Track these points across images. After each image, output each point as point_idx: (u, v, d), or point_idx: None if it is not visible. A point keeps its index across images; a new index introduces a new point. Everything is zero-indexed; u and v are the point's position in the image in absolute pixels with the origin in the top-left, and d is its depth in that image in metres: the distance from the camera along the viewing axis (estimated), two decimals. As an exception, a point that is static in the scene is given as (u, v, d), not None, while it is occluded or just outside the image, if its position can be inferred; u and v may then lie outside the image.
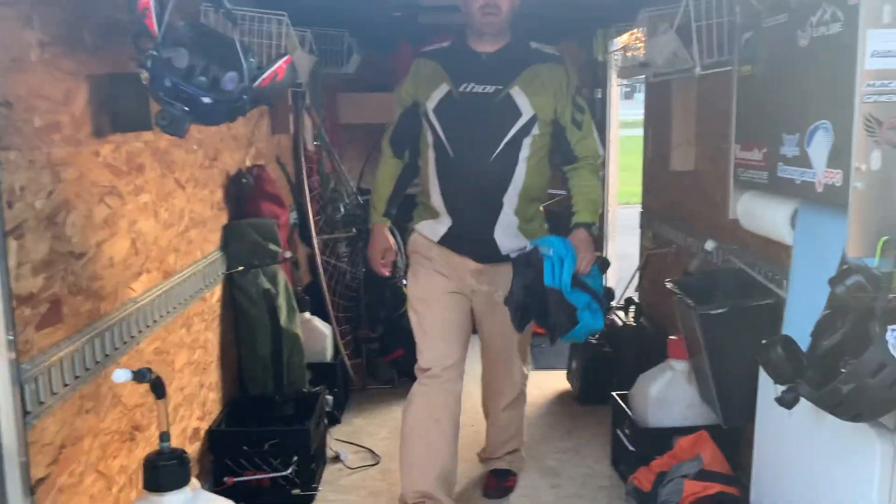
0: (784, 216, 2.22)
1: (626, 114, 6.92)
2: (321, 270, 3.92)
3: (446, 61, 2.71)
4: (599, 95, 5.36)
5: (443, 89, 2.66)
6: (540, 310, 2.57)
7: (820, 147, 1.94)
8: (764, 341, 1.92)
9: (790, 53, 2.07)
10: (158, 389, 2.00)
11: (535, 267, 2.54)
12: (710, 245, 3.04)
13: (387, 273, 2.99)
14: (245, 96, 1.87)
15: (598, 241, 5.65)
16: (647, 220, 4.30)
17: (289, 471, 3.04)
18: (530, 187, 2.70)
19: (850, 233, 1.79)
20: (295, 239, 4.33)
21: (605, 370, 4.03)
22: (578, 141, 2.74)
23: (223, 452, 3.04)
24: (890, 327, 1.70)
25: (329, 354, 3.99)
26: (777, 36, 2.16)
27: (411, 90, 2.77)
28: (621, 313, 4.25)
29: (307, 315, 3.90)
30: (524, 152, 2.66)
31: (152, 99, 1.88)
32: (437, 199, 2.75)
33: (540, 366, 4.68)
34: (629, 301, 4.27)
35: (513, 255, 2.68)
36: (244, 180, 3.48)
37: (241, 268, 3.32)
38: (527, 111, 2.62)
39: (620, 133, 5.71)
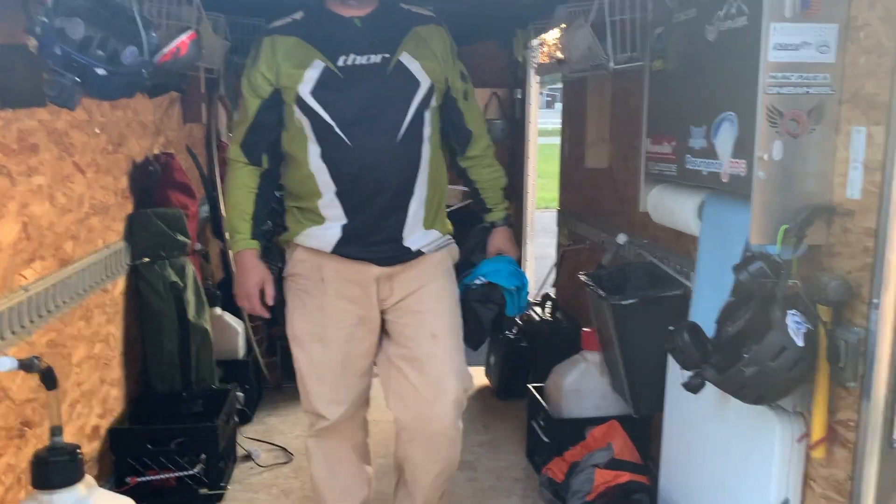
0: (691, 208, 2.27)
1: (546, 121, 7.01)
2: (233, 265, 3.79)
3: (309, 34, 2.21)
4: (519, 96, 5.40)
5: (317, 67, 2.16)
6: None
7: (726, 138, 1.99)
8: (671, 328, 1.95)
9: (699, 48, 2.13)
10: (49, 380, 1.88)
11: (498, 304, 2.50)
12: (622, 239, 3.10)
13: (266, 314, 2.39)
14: (144, 71, 1.77)
15: (517, 241, 5.71)
16: (564, 218, 4.36)
17: (196, 469, 2.93)
18: (437, 171, 2.33)
19: (753, 221, 1.83)
20: (207, 233, 4.19)
21: (523, 364, 4.05)
22: (469, 112, 2.41)
23: (125, 451, 2.90)
24: (790, 312, 1.75)
25: (241, 351, 3.87)
26: (687, 31, 2.21)
27: (269, 76, 2.20)
28: (538, 308, 4.29)
29: (218, 311, 3.77)
30: (427, 129, 2.26)
31: (44, 70, 1.76)
32: (328, 201, 2.24)
33: (458, 362, 4.67)
34: (546, 297, 4.31)
35: (426, 250, 2.35)
36: (151, 168, 3.34)
37: (146, 259, 3.18)
38: (424, 79, 2.23)
39: (540, 141, 5.77)
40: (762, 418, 1.98)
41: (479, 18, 4.59)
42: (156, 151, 3.59)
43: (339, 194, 2.24)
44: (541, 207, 6.01)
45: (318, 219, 2.28)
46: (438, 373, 2.32)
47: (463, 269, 2.57)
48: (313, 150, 2.21)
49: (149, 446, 2.90)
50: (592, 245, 3.76)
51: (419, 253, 2.33)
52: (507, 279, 2.51)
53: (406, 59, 2.22)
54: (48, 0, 1.70)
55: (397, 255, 2.30)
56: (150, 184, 3.36)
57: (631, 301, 2.63)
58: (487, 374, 4.37)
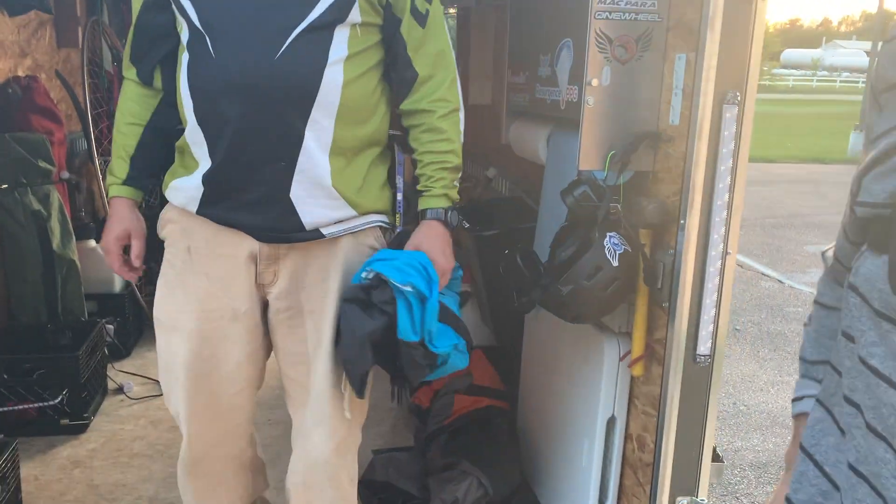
0: (542, 137, 2.31)
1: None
2: (105, 193, 3.67)
3: None
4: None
5: None
6: (388, 362, 1.71)
7: (564, 65, 2.02)
8: (506, 251, 1.99)
9: (547, -25, 2.13)
10: None
11: (385, 312, 1.65)
12: (491, 172, 3.13)
13: (132, 276, 1.85)
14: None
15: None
16: (455, 155, 4.36)
17: (56, 400, 2.88)
18: (355, 110, 1.68)
19: (582, 147, 1.87)
20: (89, 167, 4.03)
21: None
22: (419, 44, 1.73)
23: (-20, 382, 2.83)
24: (609, 234, 1.81)
25: (118, 285, 3.78)
26: (539, -42, 2.21)
27: None
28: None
29: (92, 243, 3.66)
30: (339, 51, 1.64)
31: None
32: (192, 131, 1.68)
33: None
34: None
35: (327, 231, 1.72)
36: (10, 90, 3.18)
37: (4, 185, 3.05)
38: None
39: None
40: (593, 339, 2.06)
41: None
42: (20, 73, 3.42)
43: (201, 123, 1.66)
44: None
45: (191, 163, 1.72)
46: (314, 413, 1.79)
47: None
48: (184, 61, 1.68)
49: (5, 376, 2.83)
50: (475, 182, 3.78)
51: (317, 234, 1.71)
52: (399, 273, 1.64)
53: None
54: None
55: (283, 227, 1.69)
56: (10, 107, 3.20)
57: (491, 232, 2.67)
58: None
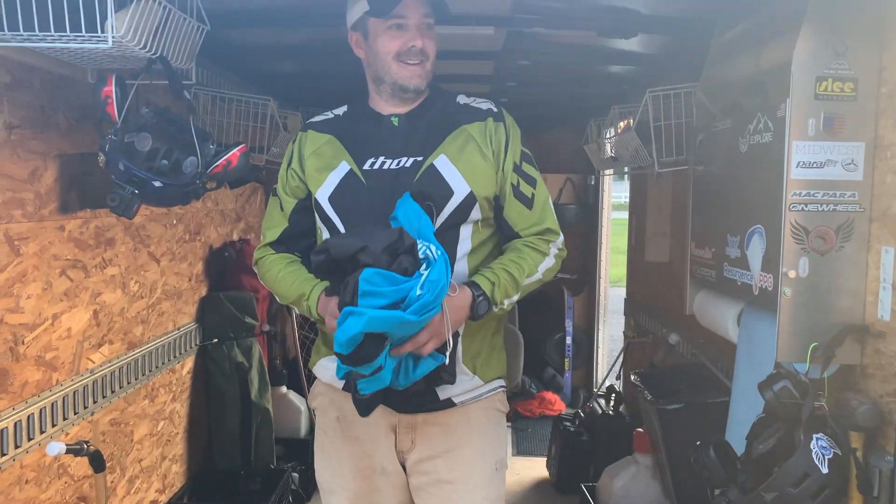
0: (731, 316, 2.24)
1: (619, 195, 6.99)
2: (298, 345, 3.96)
3: (345, 132, 1.91)
4: (593, 182, 5.45)
5: (342, 170, 1.85)
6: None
7: (756, 251, 1.98)
8: (698, 443, 1.91)
9: (733, 158, 2.13)
10: (97, 463, 2.02)
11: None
12: (673, 338, 3.05)
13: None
14: (198, 181, 1.95)
15: (590, 324, 5.67)
16: (630, 306, 4.31)
17: (245, 548, 3.02)
18: None
19: (780, 338, 1.80)
20: (283, 313, 4.38)
21: (583, 459, 3.96)
22: (527, 220, 1.89)
23: (180, 527, 3.03)
24: (816, 436, 1.69)
25: (304, 430, 3.98)
26: (724, 140, 2.22)
27: (301, 175, 1.91)
28: (602, 401, 4.21)
29: (283, 389, 3.92)
30: (464, 246, 1.83)
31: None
32: None
33: (522, 451, 4.62)
34: (610, 389, 4.24)
35: (458, 400, 1.86)
36: (227, 254, 3.57)
37: (215, 340, 3.37)
38: (460, 188, 1.80)
39: (615, 215, 5.80)
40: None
41: (551, 109, 4.73)
42: (235, 237, 3.84)
43: None
44: (614, 283, 5.96)
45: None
46: None
47: None
48: None
49: (202, 523, 3.03)
50: (655, 339, 3.70)
51: (449, 403, 1.86)
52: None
53: (442, 163, 1.82)
54: (117, 120, 1.91)
55: (420, 399, 1.83)
56: (225, 268, 3.58)
57: (676, 406, 2.58)
58: (548, 465, 4.29)
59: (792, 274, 1.79)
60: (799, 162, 1.77)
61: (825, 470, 1.64)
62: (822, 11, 1.75)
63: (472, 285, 1.74)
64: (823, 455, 1.66)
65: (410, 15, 1.81)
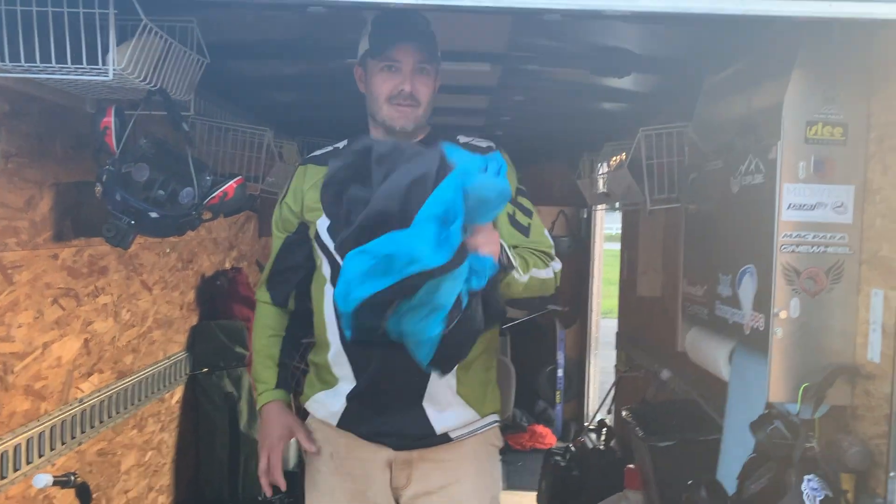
0: (723, 354, 2.24)
1: (612, 227, 7.03)
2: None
3: None
4: (585, 216, 5.49)
5: None
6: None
7: (747, 290, 1.99)
8: (690, 482, 1.91)
9: (725, 197, 2.16)
10: (83, 496, 2.00)
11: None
12: (665, 374, 3.05)
13: (279, 483, 1.95)
14: (193, 212, 1.96)
15: (581, 356, 5.66)
16: (622, 341, 4.32)
17: (231, 582, 2.97)
18: None
19: (771, 378, 1.81)
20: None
21: (573, 494, 3.94)
22: (524, 243, 1.90)
23: (165, 560, 2.99)
24: (807, 477, 1.69)
25: (292, 462, 3.94)
26: (716, 179, 2.25)
27: (295, 208, 1.95)
28: (593, 435, 4.20)
29: (273, 419, 3.88)
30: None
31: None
32: (336, 355, 1.88)
33: (512, 485, 4.58)
34: (601, 424, 4.23)
35: (455, 435, 1.89)
36: (218, 282, 3.56)
37: (205, 369, 3.35)
38: None
39: (608, 246, 5.83)
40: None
41: (545, 143, 4.78)
42: (227, 265, 3.84)
43: (346, 347, 1.85)
44: (606, 315, 5.96)
45: (330, 378, 1.92)
46: None
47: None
48: (329, 294, 1.87)
49: (187, 556, 2.98)
50: (646, 374, 3.70)
51: (446, 438, 1.88)
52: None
53: None
54: (115, 151, 1.92)
55: (417, 434, 1.87)
56: (217, 297, 3.57)
57: (668, 443, 2.57)
58: (538, 499, 4.26)
59: (783, 314, 1.80)
60: (790, 204, 1.79)
61: (816, 512, 1.64)
62: (812, 57, 1.79)
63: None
64: (814, 496, 1.66)
65: (404, 59, 1.85)
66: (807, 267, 1.79)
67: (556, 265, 1.92)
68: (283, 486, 1.96)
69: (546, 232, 1.97)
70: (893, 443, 1.57)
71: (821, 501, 1.65)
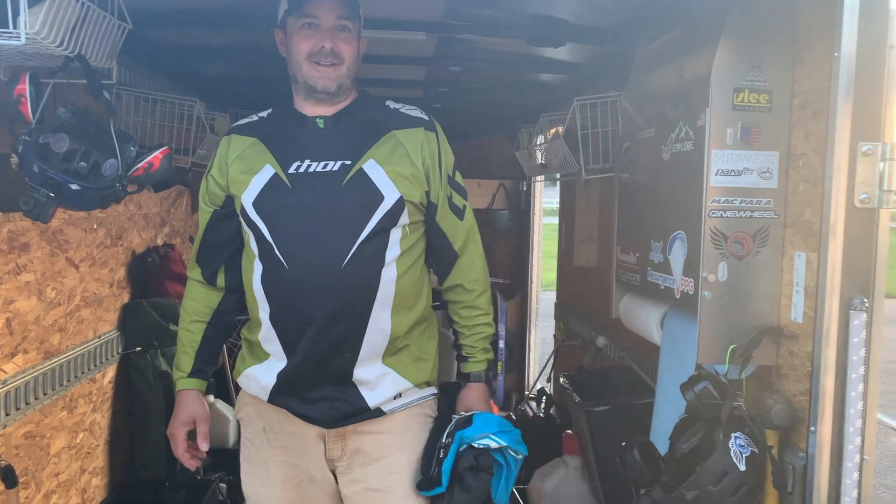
0: (655, 319, 2.29)
1: (551, 202, 7.08)
2: (225, 353, 3.87)
3: (269, 135, 1.89)
4: (525, 188, 5.52)
5: (266, 174, 1.82)
6: None
7: (678, 256, 2.03)
8: (623, 444, 1.95)
9: (656, 165, 2.19)
10: (8, 479, 1.93)
11: (487, 472, 1.87)
12: (601, 342, 3.11)
13: (193, 464, 2.01)
14: (118, 184, 1.89)
15: (522, 328, 5.73)
16: (560, 310, 4.38)
17: (170, 563, 2.93)
18: (406, 298, 1.88)
19: (700, 340, 1.85)
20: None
21: (514, 462, 4.00)
22: (459, 234, 1.96)
23: (100, 543, 2.92)
24: (734, 434, 1.75)
25: (231, 440, 3.89)
26: (647, 148, 2.28)
27: (220, 181, 1.89)
28: (533, 403, 4.26)
29: (210, 398, 3.81)
30: (392, 251, 1.83)
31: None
32: (266, 332, 1.85)
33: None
34: (541, 392, 4.29)
35: (388, 408, 1.90)
36: (150, 259, 3.46)
37: (138, 348, 3.26)
38: (390, 192, 1.81)
39: (547, 220, 5.87)
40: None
41: (483, 116, 4.77)
42: (159, 242, 3.73)
43: (275, 325, 1.85)
44: (546, 288, 6.02)
45: (262, 354, 1.90)
46: None
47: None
48: (257, 270, 1.85)
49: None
50: (583, 342, 3.76)
51: (379, 412, 1.89)
52: (508, 438, 1.92)
53: (371, 167, 1.82)
54: (31, 120, 1.83)
55: (348, 409, 1.86)
56: (149, 274, 3.47)
57: (603, 408, 2.62)
58: (480, 468, 4.31)
59: (711, 278, 1.84)
60: (718, 170, 1.83)
61: (743, 468, 1.70)
62: (739, 25, 1.82)
63: (476, 375, 2.04)
64: (741, 453, 1.72)
65: (323, 14, 1.83)
66: (734, 231, 1.84)
67: (484, 281, 2.04)
68: (191, 465, 2.02)
69: (476, 228, 2.03)
70: (815, 399, 1.63)
71: (747, 458, 1.72)
